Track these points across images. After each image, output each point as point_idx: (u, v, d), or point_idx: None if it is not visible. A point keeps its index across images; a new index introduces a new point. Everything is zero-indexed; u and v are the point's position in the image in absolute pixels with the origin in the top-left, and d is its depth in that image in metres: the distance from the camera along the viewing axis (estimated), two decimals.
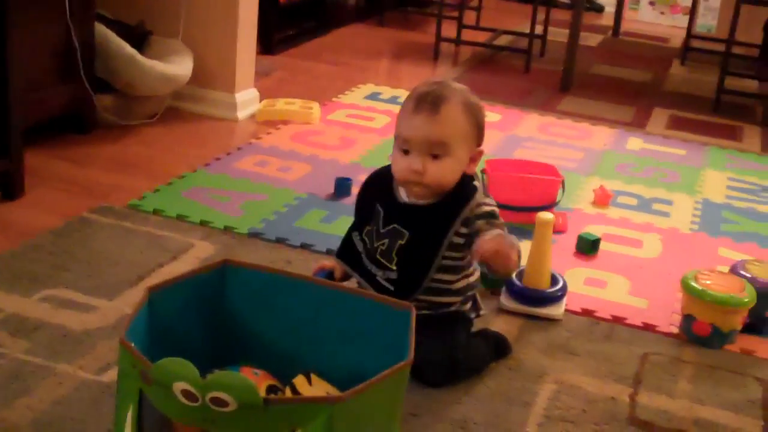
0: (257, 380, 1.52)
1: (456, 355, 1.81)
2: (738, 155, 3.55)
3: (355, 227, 1.89)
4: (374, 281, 1.81)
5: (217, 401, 1.22)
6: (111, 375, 1.73)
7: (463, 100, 1.78)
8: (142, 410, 1.31)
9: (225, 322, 1.64)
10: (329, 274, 1.90)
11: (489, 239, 1.69)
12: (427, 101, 1.75)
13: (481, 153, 1.83)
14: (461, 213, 1.76)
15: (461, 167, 1.79)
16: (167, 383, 1.24)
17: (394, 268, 1.79)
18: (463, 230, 1.77)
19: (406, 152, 1.77)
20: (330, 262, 1.92)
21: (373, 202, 1.85)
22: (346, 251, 1.88)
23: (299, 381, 1.52)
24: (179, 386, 1.23)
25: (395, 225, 1.80)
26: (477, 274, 1.91)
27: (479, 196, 1.79)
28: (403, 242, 1.78)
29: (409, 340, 1.44)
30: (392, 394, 1.39)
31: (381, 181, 1.86)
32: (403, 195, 1.83)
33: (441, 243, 1.76)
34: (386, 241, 1.80)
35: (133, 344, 1.32)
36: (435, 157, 1.75)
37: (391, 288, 1.79)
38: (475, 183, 1.82)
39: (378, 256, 1.81)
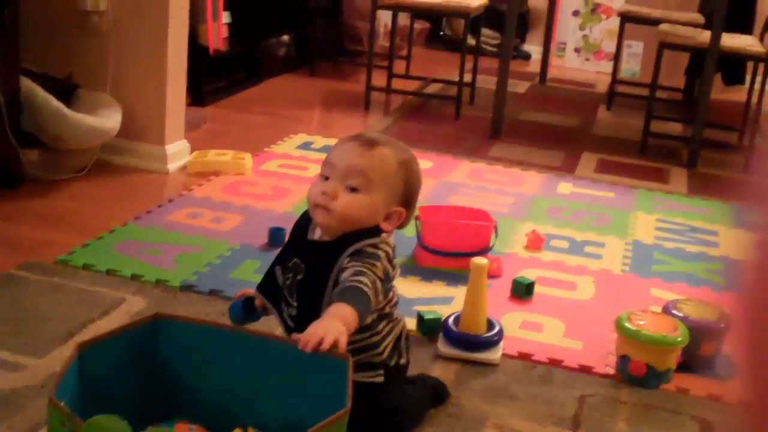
0: None
1: (398, 417, 1.78)
2: (665, 197, 3.62)
3: (278, 261, 1.82)
4: (282, 317, 1.78)
5: None
6: None
7: (402, 158, 1.76)
8: None
9: (158, 376, 1.61)
10: (248, 301, 1.83)
11: (309, 332, 1.52)
12: (365, 137, 1.75)
13: (400, 215, 1.76)
14: (349, 249, 1.69)
15: (373, 212, 1.73)
16: None
17: (295, 304, 1.74)
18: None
19: (326, 179, 1.74)
20: (252, 291, 1.88)
21: (291, 239, 1.83)
22: (266, 284, 1.81)
23: None
24: None
25: (296, 259, 1.75)
26: (394, 300, 1.81)
27: (376, 239, 1.71)
28: (300, 277, 1.73)
29: (347, 388, 1.42)
30: None
31: (304, 220, 1.82)
32: (314, 234, 1.79)
33: (327, 278, 1.68)
34: (290, 275, 1.75)
35: (62, 402, 1.28)
36: (351, 190, 1.71)
37: (292, 325, 1.74)
38: (384, 234, 1.74)
39: (284, 292, 1.77)
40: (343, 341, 1.51)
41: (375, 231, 1.73)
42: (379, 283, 1.66)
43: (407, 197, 1.78)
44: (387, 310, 1.78)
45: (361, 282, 1.62)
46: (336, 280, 1.67)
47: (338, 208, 1.70)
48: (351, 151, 1.73)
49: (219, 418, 1.56)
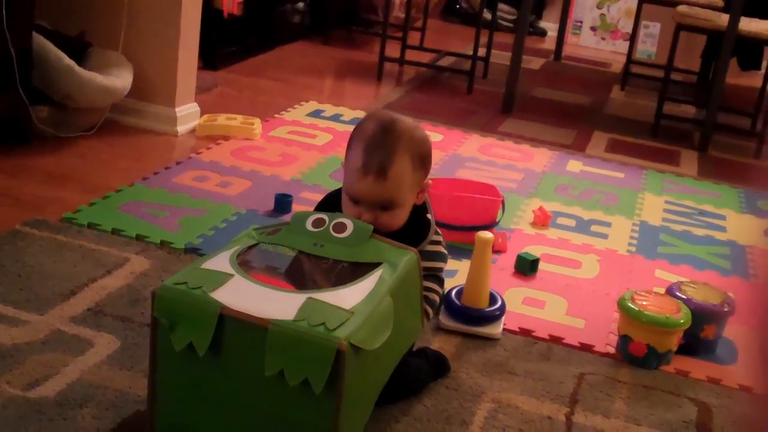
0: None
1: (399, 387, 1.78)
2: (675, 179, 3.60)
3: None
4: None
5: (338, 226, 1.64)
6: (39, 391, 1.69)
7: (410, 149, 1.74)
8: (247, 252, 1.61)
9: None
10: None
11: None
12: (374, 164, 1.70)
13: (428, 185, 1.83)
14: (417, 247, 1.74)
15: (411, 206, 1.79)
16: (304, 218, 1.66)
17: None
18: None
19: (356, 202, 1.75)
20: None
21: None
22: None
23: None
24: (313, 218, 1.66)
25: None
26: None
27: (431, 233, 1.83)
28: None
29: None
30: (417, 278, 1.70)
31: (337, 203, 1.82)
32: None
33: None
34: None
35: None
36: (385, 208, 1.74)
37: None
38: (429, 216, 1.84)
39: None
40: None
41: (422, 221, 1.82)
42: (439, 292, 1.85)
43: (427, 170, 1.82)
44: None
45: (428, 300, 1.80)
46: None
47: (383, 226, 1.75)
48: (371, 188, 1.72)
49: None
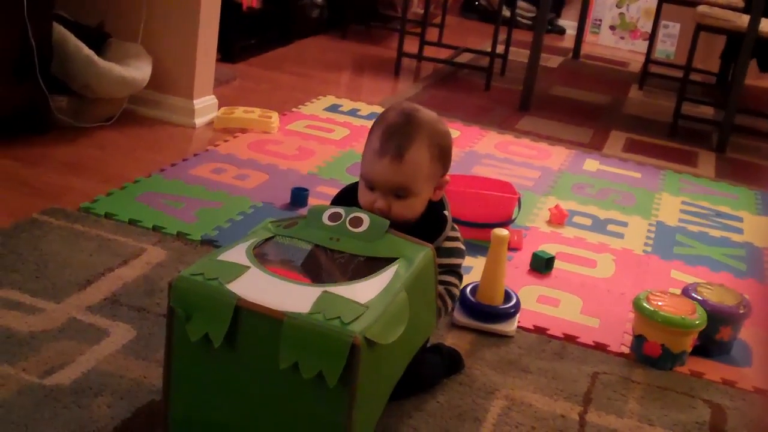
0: None
1: (416, 370, 1.78)
2: (692, 180, 3.59)
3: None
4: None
5: (354, 220, 1.65)
6: (55, 379, 1.70)
7: (429, 139, 1.74)
8: (263, 245, 1.61)
9: None
10: None
11: None
12: (392, 146, 1.71)
13: (447, 181, 1.82)
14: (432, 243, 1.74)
15: (426, 200, 1.79)
16: (321, 211, 1.67)
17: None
18: None
19: (371, 188, 1.75)
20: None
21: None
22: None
23: None
24: (330, 212, 1.67)
25: None
26: None
27: (448, 229, 1.82)
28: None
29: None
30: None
31: (353, 196, 1.82)
32: None
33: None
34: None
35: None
36: (399, 196, 1.73)
37: None
38: (446, 213, 1.84)
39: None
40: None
41: (439, 217, 1.82)
42: (459, 286, 1.85)
43: (446, 164, 1.81)
44: None
45: (449, 293, 1.81)
46: None
47: (397, 216, 1.74)
48: (387, 170, 1.72)
49: None
